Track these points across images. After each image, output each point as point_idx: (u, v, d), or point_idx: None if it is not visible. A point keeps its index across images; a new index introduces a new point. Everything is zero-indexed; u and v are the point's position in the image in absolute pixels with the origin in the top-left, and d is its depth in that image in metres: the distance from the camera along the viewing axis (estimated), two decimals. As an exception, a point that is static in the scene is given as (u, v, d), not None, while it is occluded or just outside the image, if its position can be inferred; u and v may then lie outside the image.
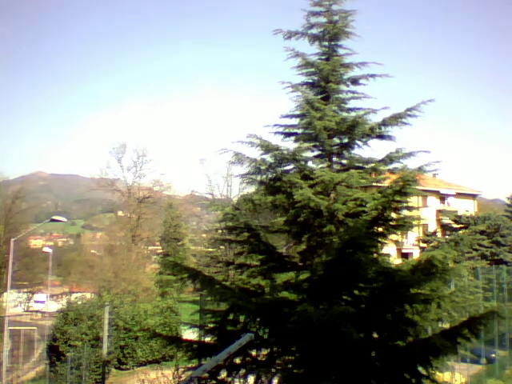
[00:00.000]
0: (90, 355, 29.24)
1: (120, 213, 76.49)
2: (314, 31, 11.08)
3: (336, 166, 10.72)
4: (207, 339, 10.23)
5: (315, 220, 9.81)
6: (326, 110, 10.11)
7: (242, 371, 9.44)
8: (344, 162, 10.81)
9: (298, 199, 9.35)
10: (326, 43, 11.09)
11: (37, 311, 67.89)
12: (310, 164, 10.74)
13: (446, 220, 51.16)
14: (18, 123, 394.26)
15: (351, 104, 11.02)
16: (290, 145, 10.69)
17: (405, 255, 40.61)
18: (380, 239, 9.98)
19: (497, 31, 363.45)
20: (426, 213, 41.12)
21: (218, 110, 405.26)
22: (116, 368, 32.41)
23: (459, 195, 56.29)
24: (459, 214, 50.47)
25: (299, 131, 10.73)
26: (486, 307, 9.80)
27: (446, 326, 9.56)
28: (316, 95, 10.79)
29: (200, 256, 64.16)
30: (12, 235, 41.10)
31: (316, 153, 10.81)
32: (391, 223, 10.02)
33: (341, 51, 11.10)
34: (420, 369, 8.94)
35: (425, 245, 44.31)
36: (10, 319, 35.32)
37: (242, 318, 9.56)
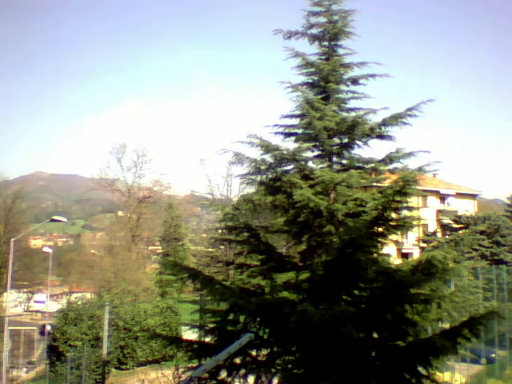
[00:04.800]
0: (90, 355, 29.25)
1: (120, 213, 76.45)
2: (314, 31, 11.09)
3: (336, 166, 10.72)
4: (207, 339, 10.23)
5: (315, 220, 9.81)
6: (326, 110, 10.11)
7: (242, 371, 9.45)
8: (344, 162, 10.81)
9: (297, 199, 9.35)
10: (326, 43, 11.10)
11: (37, 311, 67.88)
12: (310, 164, 10.75)
13: (446, 220, 51.10)
14: (18, 123, 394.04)
15: (351, 104, 11.04)
16: (290, 145, 10.72)
17: (405, 255, 40.58)
18: (380, 239, 9.98)
19: (497, 30, 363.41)
20: (426, 213, 41.12)
21: (218, 110, 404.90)
22: (116, 368, 32.41)
23: (459, 195, 56.23)
24: (459, 214, 50.40)
25: (299, 131, 10.73)
26: (486, 307, 9.82)
27: (446, 325, 9.56)
28: (316, 95, 10.79)
29: (200, 256, 64.05)
30: (12, 235, 41.09)
31: (316, 153, 10.82)
32: (391, 223, 10.03)
33: (341, 51, 11.10)
34: (420, 369, 8.94)
35: (425, 245, 44.26)
36: (10, 319, 35.28)
37: (242, 318, 9.57)
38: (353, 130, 10.32)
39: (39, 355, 40.99)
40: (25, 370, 38.35)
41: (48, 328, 50.67)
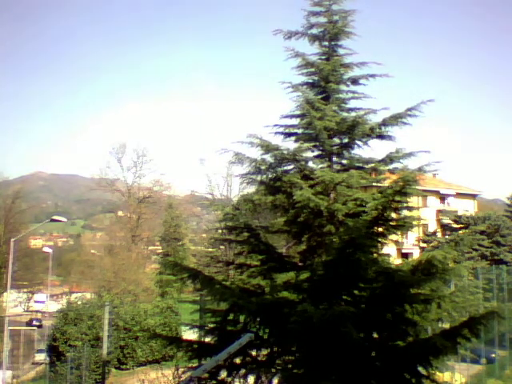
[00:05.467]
0: (90, 355, 29.25)
1: (120, 213, 76.50)
2: (314, 31, 11.09)
3: (336, 166, 10.72)
4: (207, 339, 10.23)
5: (315, 220, 9.81)
6: (326, 110, 10.11)
7: (242, 371, 9.45)
8: (344, 162, 10.81)
9: (297, 199, 9.35)
10: (326, 43, 11.09)
11: (37, 311, 67.94)
12: (310, 164, 10.75)
13: (446, 220, 51.10)
14: (18, 123, 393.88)
15: (351, 104, 11.04)
16: (290, 145, 10.71)
17: (405, 255, 40.57)
18: (380, 239, 9.98)
19: (497, 30, 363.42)
20: (426, 213, 41.11)
21: (218, 110, 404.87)
22: (116, 368, 32.42)
23: (459, 195, 56.22)
24: (459, 214, 50.40)
25: (299, 131, 10.73)
26: (486, 307, 9.81)
27: (446, 325, 9.56)
28: (316, 95, 10.79)
29: (200, 256, 64.03)
30: (12, 235, 41.12)
31: (316, 153, 10.81)
32: (391, 223, 10.02)
33: (341, 51, 11.10)
34: (420, 369, 8.94)
35: (425, 245, 44.27)
36: (10, 319, 35.30)
37: (242, 318, 9.57)
38: (353, 130, 10.32)
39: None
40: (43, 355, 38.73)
41: (35, 322, 51.16)
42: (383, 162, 10.52)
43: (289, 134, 10.82)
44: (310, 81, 11.09)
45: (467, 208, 53.65)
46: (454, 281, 10.86)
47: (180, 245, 68.70)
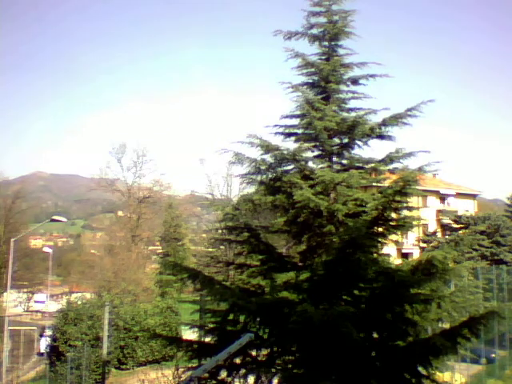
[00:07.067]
0: (90, 355, 29.23)
1: (120, 213, 76.48)
2: (314, 31, 11.09)
3: (336, 166, 10.72)
4: (207, 339, 10.24)
5: (315, 220, 9.81)
6: (326, 110, 10.12)
7: (242, 371, 9.45)
8: (344, 162, 10.81)
9: (297, 199, 9.36)
10: (326, 43, 11.10)
11: (37, 311, 67.94)
12: (310, 164, 10.76)
13: (446, 220, 51.07)
14: (17, 123, 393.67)
15: (351, 104, 11.05)
16: (290, 145, 10.72)
17: (405, 255, 40.58)
18: (380, 239, 9.98)
19: (497, 30, 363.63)
20: (425, 213, 41.06)
21: (219, 110, 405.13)
22: (116, 368, 32.38)
23: (459, 195, 56.23)
24: (459, 214, 50.36)
25: (299, 131, 10.74)
26: (486, 307, 9.80)
27: (446, 326, 9.57)
28: (316, 95, 10.80)
29: (200, 256, 63.93)
30: (12, 235, 41.09)
31: (316, 153, 10.82)
32: (391, 223, 10.02)
33: (341, 51, 11.11)
34: (420, 369, 8.94)
35: (425, 245, 44.22)
36: (10, 319, 35.30)
37: (242, 318, 9.57)
38: (353, 130, 10.33)
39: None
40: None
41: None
42: (383, 161, 10.52)
43: (289, 134, 10.82)
44: (310, 81, 11.09)
45: (467, 208, 53.64)
46: (454, 281, 10.86)
47: (180, 245, 68.60)
